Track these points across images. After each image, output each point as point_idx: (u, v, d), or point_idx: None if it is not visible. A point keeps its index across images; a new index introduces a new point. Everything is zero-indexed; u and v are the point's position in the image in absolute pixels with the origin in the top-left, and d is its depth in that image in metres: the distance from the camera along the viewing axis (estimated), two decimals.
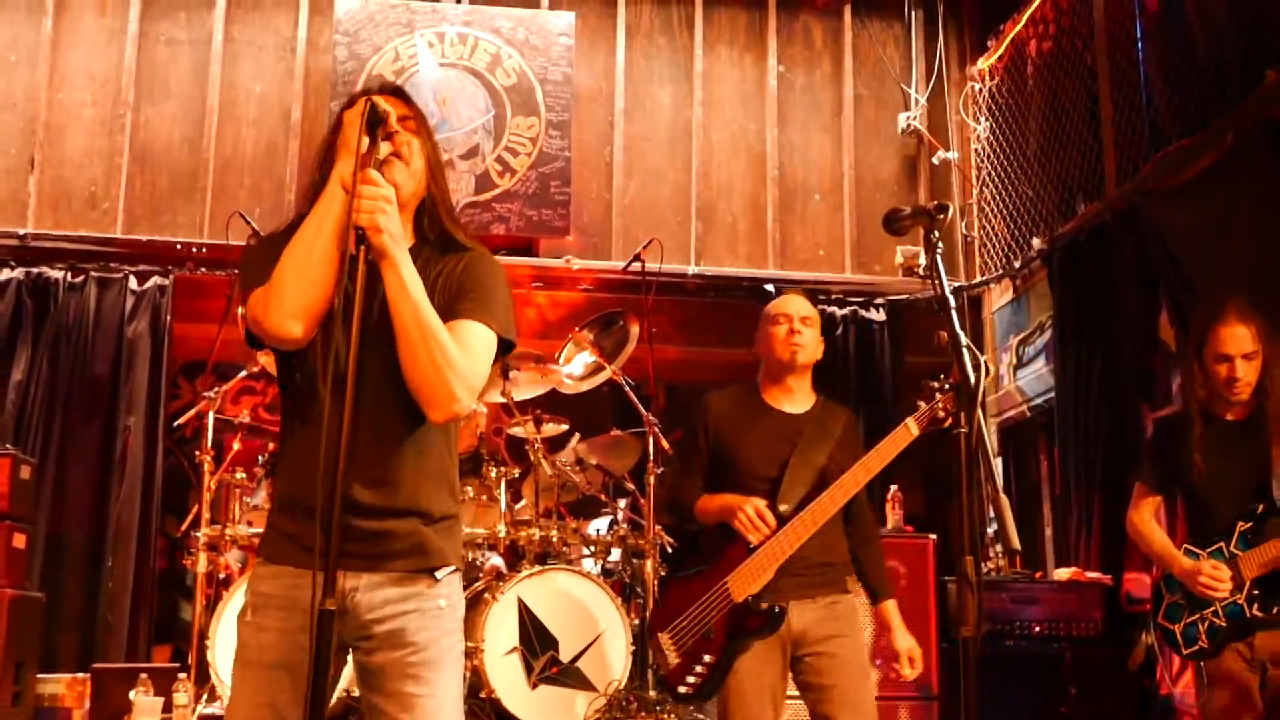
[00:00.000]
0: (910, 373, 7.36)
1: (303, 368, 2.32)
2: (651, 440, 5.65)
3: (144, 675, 5.18)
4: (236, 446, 5.94)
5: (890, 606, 3.75)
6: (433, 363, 2.21)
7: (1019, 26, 7.45)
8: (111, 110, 7.20)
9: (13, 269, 6.87)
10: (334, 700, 4.72)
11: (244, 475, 5.68)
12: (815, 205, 7.78)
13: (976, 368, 2.41)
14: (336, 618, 2.13)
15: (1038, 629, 5.56)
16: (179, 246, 7.09)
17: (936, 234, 2.61)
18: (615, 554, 5.92)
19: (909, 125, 7.84)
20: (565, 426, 6.12)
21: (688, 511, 3.70)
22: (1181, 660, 3.93)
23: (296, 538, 2.27)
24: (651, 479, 5.58)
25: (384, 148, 2.25)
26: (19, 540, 5.41)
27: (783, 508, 3.51)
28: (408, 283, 2.21)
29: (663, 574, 5.44)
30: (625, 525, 5.93)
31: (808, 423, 3.69)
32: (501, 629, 5.04)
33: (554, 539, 5.56)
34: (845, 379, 7.42)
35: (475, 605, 5.07)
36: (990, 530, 5.88)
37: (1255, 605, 3.74)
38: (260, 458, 5.77)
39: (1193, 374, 3.98)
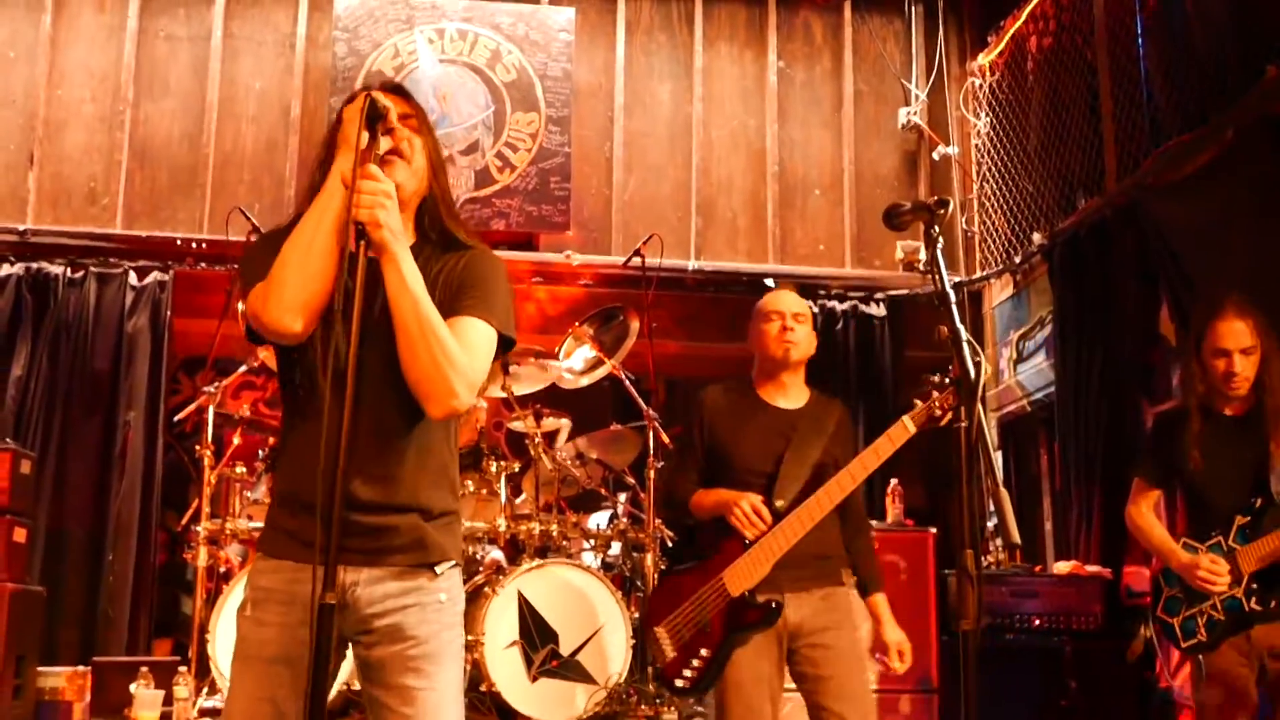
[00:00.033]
0: (910, 368, 7.36)
1: (303, 363, 2.32)
2: (651, 435, 5.66)
3: (144, 669, 5.19)
4: (236, 441, 5.96)
5: (880, 600, 3.78)
6: (432, 359, 2.21)
7: (1019, 22, 7.45)
8: (111, 106, 7.20)
9: (12, 264, 6.87)
10: (334, 694, 4.74)
11: (244, 470, 5.69)
12: (815, 201, 7.78)
13: (977, 363, 2.42)
14: (337, 612, 2.13)
15: (1038, 622, 5.57)
16: (179, 242, 7.09)
17: (937, 229, 2.61)
18: (615, 548, 5.93)
19: (909, 121, 7.84)
20: (565, 421, 6.13)
21: (683, 506, 3.72)
22: (1181, 654, 3.94)
23: (297, 533, 2.27)
24: (651, 473, 5.59)
25: (384, 143, 2.25)
26: (19, 535, 5.41)
27: (778, 503, 3.52)
28: (407, 278, 2.21)
29: (662, 568, 5.46)
30: (625, 519, 5.94)
31: (802, 418, 3.71)
32: (502, 622, 5.05)
33: (554, 533, 5.57)
34: (845, 374, 7.43)
35: (475, 599, 5.08)
36: (990, 524, 5.89)
37: (1253, 599, 3.75)
38: (260, 452, 5.78)
39: (1191, 369, 3.99)
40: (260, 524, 5.28)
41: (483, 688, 5.02)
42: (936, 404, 3.45)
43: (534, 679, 5.05)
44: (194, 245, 7.08)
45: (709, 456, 3.72)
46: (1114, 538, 5.70)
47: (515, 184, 7.30)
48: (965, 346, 2.43)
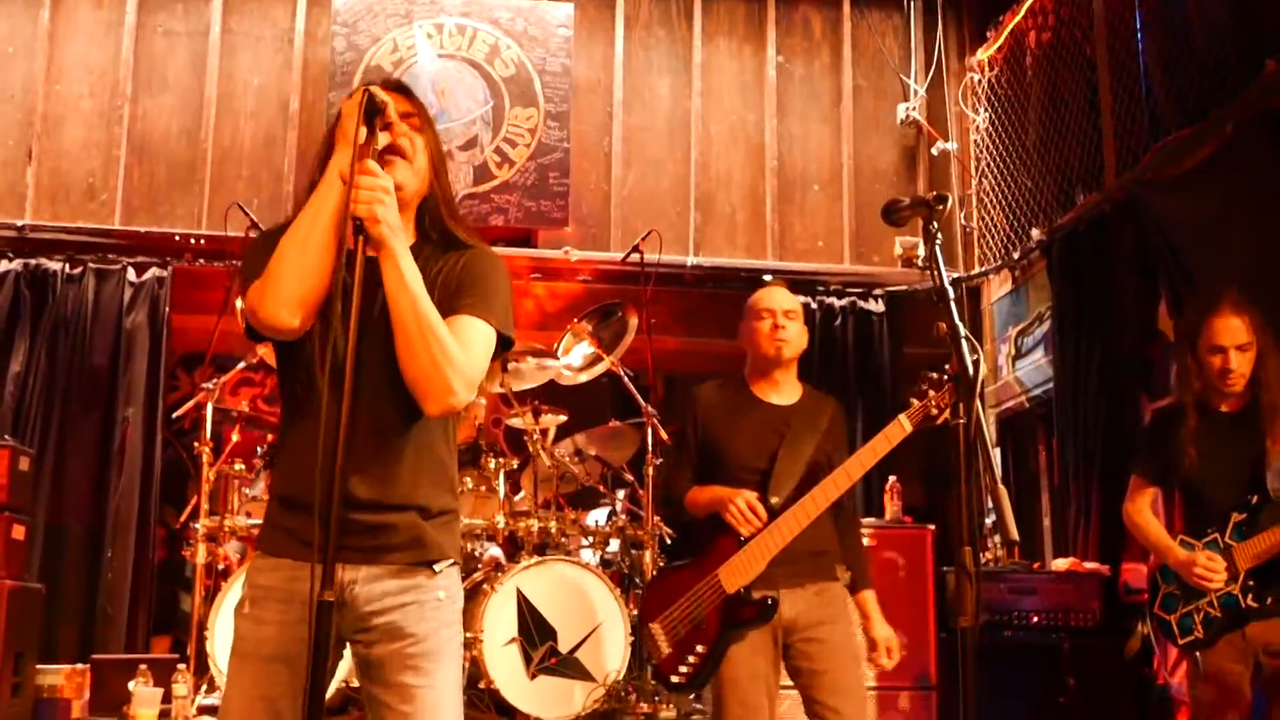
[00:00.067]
0: (909, 364, 7.36)
1: (302, 361, 2.31)
2: (650, 431, 5.66)
3: (143, 666, 5.18)
4: (235, 438, 5.95)
5: (869, 596, 3.78)
6: (430, 356, 2.20)
7: (1018, 17, 7.44)
8: (109, 102, 7.19)
9: (10, 260, 6.86)
10: (333, 691, 4.74)
11: (243, 466, 5.69)
12: (814, 196, 7.78)
13: (975, 359, 2.41)
14: (335, 610, 2.13)
15: (1036, 619, 5.57)
16: (177, 238, 7.08)
17: (935, 225, 2.61)
18: (614, 545, 5.94)
19: (908, 116, 7.83)
20: (564, 418, 6.13)
21: (678, 504, 3.74)
22: (1178, 650, 3.95)
23: (295, 531, 2.26)
24: (650, 470, 5.59)
25: (382, 138, 2.24)
26: (18, 531, 5.41)
27: (774, 500, 3.54)
28: (406, 274, 2.20)
29: (661, 565, 5.46)
30: (624, 516, 5.94)
31: (795, 414, 3.72)
32: (500, 619, 5.05)
33: (553, 530, 5.57)
34: (844, 370, 7.43)
35: (474, 596, 5.08)
36: (989, 521, 5.89)
37: (1250, 596, 3.76)
38: (259, 449, 5.78)
39: (1187, 366, 3.99)
40: (259, 521, 5.29)
41: (481, 685, 5.02)
42: (933, 403, 3.46)
43: (533, 676, 5.05)
44: (192, 241, 7.08)
45: (703, 454, 3.73)
46: (1112, 534, 5.70)
47: (514, 179, 7.30)
48: (964, 343, 2.43)
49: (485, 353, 2.33)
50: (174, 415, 6.25)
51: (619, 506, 6.13)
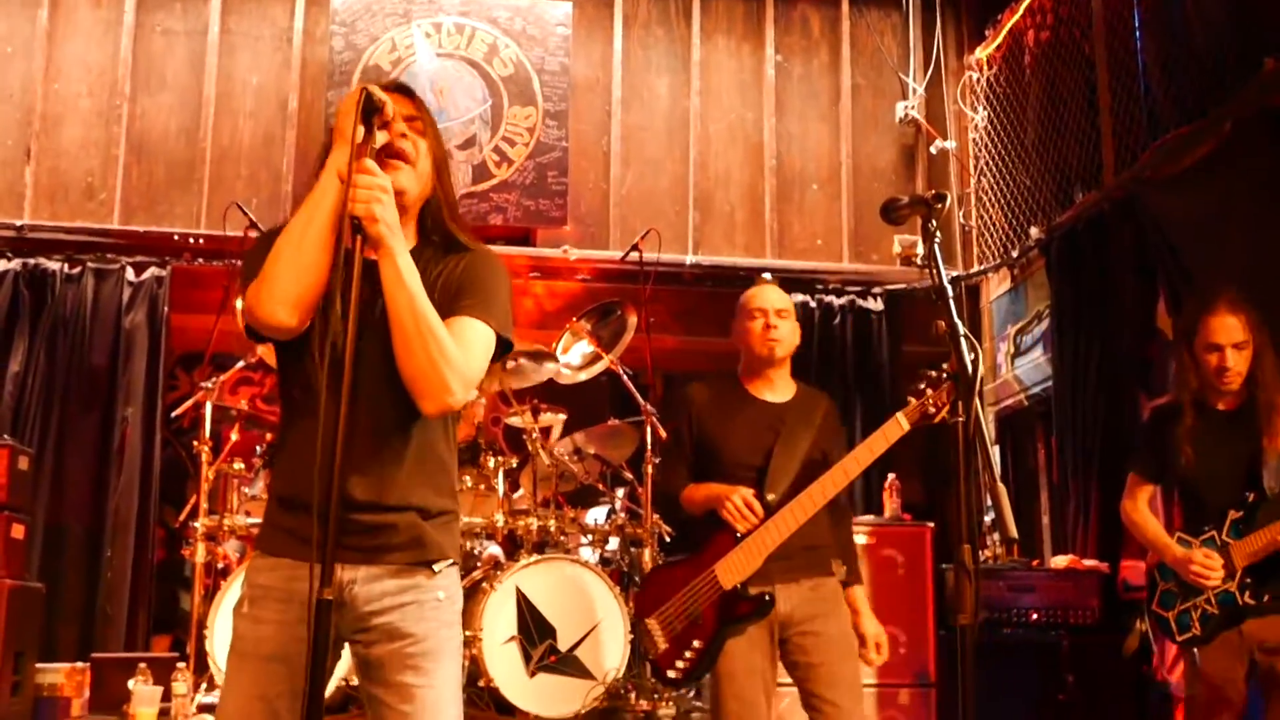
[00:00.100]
0: (908, 362, 7.36)
1: (301, 361, 2.31)
2: (649, 429, 5.66)
3: (143, 665, 5.19)
4: (234, 437, 5.95)
5: (858, 592, 3.79)
6: (427, 354, 2.19)
7: (1017, 16, 7.44)
8: (108, 101, 7.19)
9: (9, 260, 6.86)
10: (332, 689, 4.74)
11: (242, 465, 5.68)
12: (813, 195, 7.78)
13: (974, 357, 2.42)
14: (335, 610, 2.13)
15: (1035, 617, 5.57)
16: (176, 237, 7.08)
17: (934, 223, 2.61)
18: (613, 543, 5.94)
19: (907, 114, 7.84)
20: (563, 416, 6.13)
21: (674, 501, 3.76)
22: (1179, 648, 3.96)
23: (295, 531, 2.26)
24: (649, 468, 5.59)
25: (380, 136, 2.24)
26: (17, 531, 5.41)
27: (770, 496, 3.56)
28: (404, 273, 2.19)
29: (659, 563, 5.46)
30: (623, 514, 5.94)
31: (790, 411, 3.74)
32: (500, 618, 5.05)
33: (552, 528, 5.57)
34: (843, 368, 7.44)
35: (473, 594, 5.08)
36: (988, 518, 5.89)
37: (1246, 593, 3.77)
38: (258, 448, 5.78)
39: (1184, 364, 4.00)
40: (258, 520, 5.29)
41: (481, 683, 5.02)
42: (930, 401, 3.47)
43: (532, 674, 5.05)
44: (191, 240, 7.08)
45: (699, 452, 3.75)
46: (1111, 532, 5.70)
47: (512, 179, 7.30)
48: (962, 341, 2.43)
49: (484, 353, 2.32)
50: (173, 414, 6.25)
51: (618, 505, 6.13)
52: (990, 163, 7.60)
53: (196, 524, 5.44)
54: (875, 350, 7.53)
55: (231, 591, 4.96)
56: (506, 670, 5.01)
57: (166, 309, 7.01)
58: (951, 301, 2.50)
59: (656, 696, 5.20)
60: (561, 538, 5.68)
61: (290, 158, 7.25)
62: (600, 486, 6.29)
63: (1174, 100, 5.72)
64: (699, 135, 7.70)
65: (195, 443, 5.63)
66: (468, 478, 5.53)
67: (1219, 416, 3.92)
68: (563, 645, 5.10)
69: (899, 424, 3.53)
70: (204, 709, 5.04)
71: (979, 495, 2.44)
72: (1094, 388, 6.13)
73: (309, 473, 2.07)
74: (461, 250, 2.42)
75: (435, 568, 2.33)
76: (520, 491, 5.99)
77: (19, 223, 6.92)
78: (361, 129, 2.18)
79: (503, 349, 2.38)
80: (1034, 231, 6.94)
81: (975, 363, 2.41)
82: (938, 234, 2.60)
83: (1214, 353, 3.88)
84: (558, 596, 5.15)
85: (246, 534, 5.53)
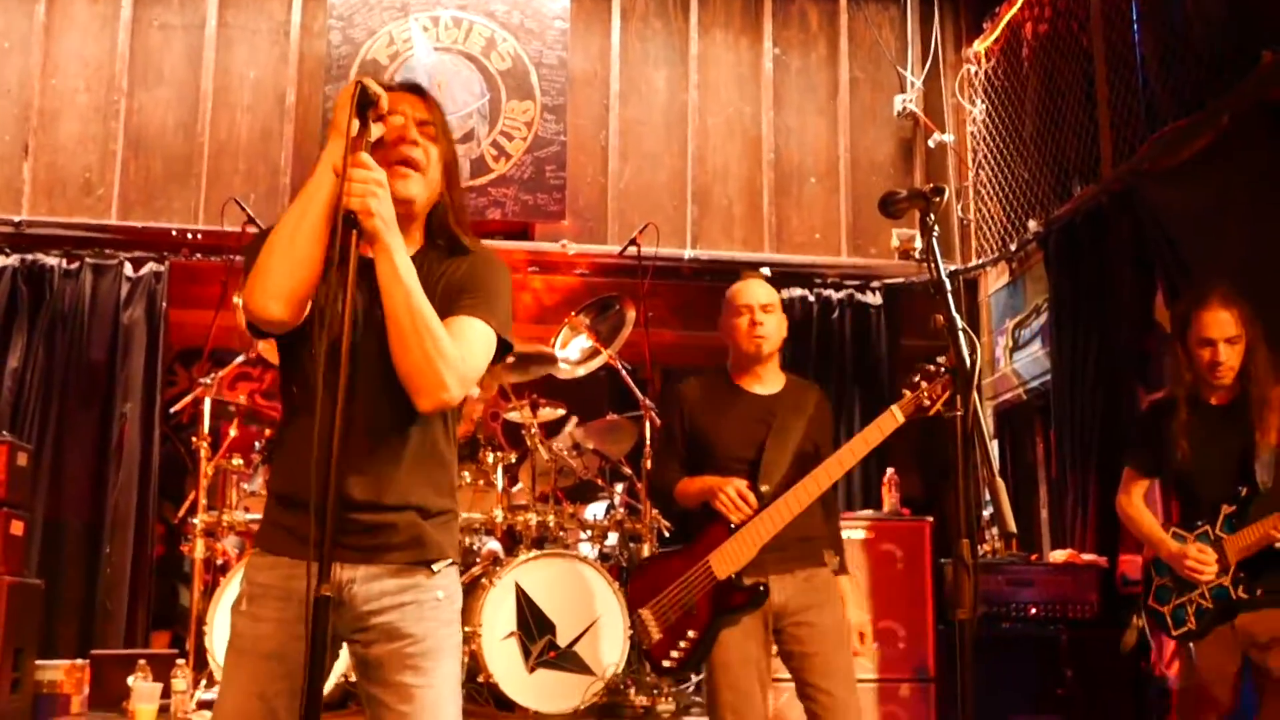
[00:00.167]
0: (906, 356, 7.36)
1: (300, 358, 2.30)
2: (648, 424, 5.66)
3: (142, 661, 5.19)
4: (233, 433, 5.95)
5: (844, 581, 3.82)
6: (423, 350, 2.18)
7: (1015, 9, 7.43)
8: (105, 96, 7.18)
9: (7, 256, 6.86)
10: (332, 686, 4.75)
11: (240, 461, 5.69)
12: (811, 188, 7.77)
13: (972, 351, 2.42)
14: (333, 609, 2.12)
15: (1034, 611, 5.57)
16: (174, 232, 7.08)
17: (932, 217, 2.61)
18: (612, 538, 5.94)
19: (905, 108, 7.83)
20: (562, 411, 6.13)
21: (669, 496, 3.80)
22: (1177, 643, 3.97)
23: (293, 529, 2.25)
24: (648, 463, 5.59)
25: (375, 130, 2.22)
26: (16, 527, 5.41)
27: (764, 488, 3.59)
28: (400, 268, 2.17)
29: (652, 553, 5.46)
30: (622, 509, 5.94)
31: (780, 403, 3.78)
32: (499, 614, 5.05)
33: (551, 524, 5.57)
34: (841, 362, 7.44)
35: (473, 590, 5.08)
36: (986, 513, 5.89)
37: (1240, 587, 3.78)
38: (257, 444, 5.78)
39: (1178, 358, 4.01)
40: (257, 516, 5.29)
41: (480, 679, 5.02)
42: (925, 394, 3.50)
43: (532, 670, 5.05)
44: (189, 236, 7.07)
45: (692, 446, 3.78)
46: (1110, 526, 5.70)
47: (510, 173, 7.29)
48: (960, 335, 2.43)
49: (482, 352, 2.31)
50: (172, 410, 6.25)
51: (617, 500, 6.13)
52: (988, 156, 7.59)
53: (195, 520, 5.44)
54: (874, 344, 7.53)
55: (231, 588, 4.96)
56: (506, 666, 5.01)
57: (165, 304, 7.01)
58: (950, 295, 2.50)
59: (656, 692, 5.20)
60: (560, 533, 5.68)
61: (288, 152, 7.24)
62: (599, 482, 6.29)
63: (1172, 93, 5.72)
64: (697, 129, 7.69)
65: (194, 438, 5.63)
66: (466, 473, 5.54)
67: (1212, 411, 3.93)
68: (562, 641, 5.10)
69: (894, 416, 3.56)
70: (203, 705, 5.05)
71: (977, 489, 2.44)
72: (1092, 381, 6.13)
73: (307, 470, 2.07)
74: (464, 253, 2.41)
75: (435, 567, 2.32)
76: (519, 486, 5.99)
77: (17, 218, 6.91)
78: (357, 122, 2.16)
79: (503, 350, 2.37)
80: (1032, 225, 6.93)
81: (973, 356, 2.41)
82: (936, 227, 2.60)
83: (1207, 347, 3.89)
84: (557, 592, 5.16)
85: (245, 530, 5.53)
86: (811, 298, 7.50)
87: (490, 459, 5.55)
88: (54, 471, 6.66)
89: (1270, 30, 4.99)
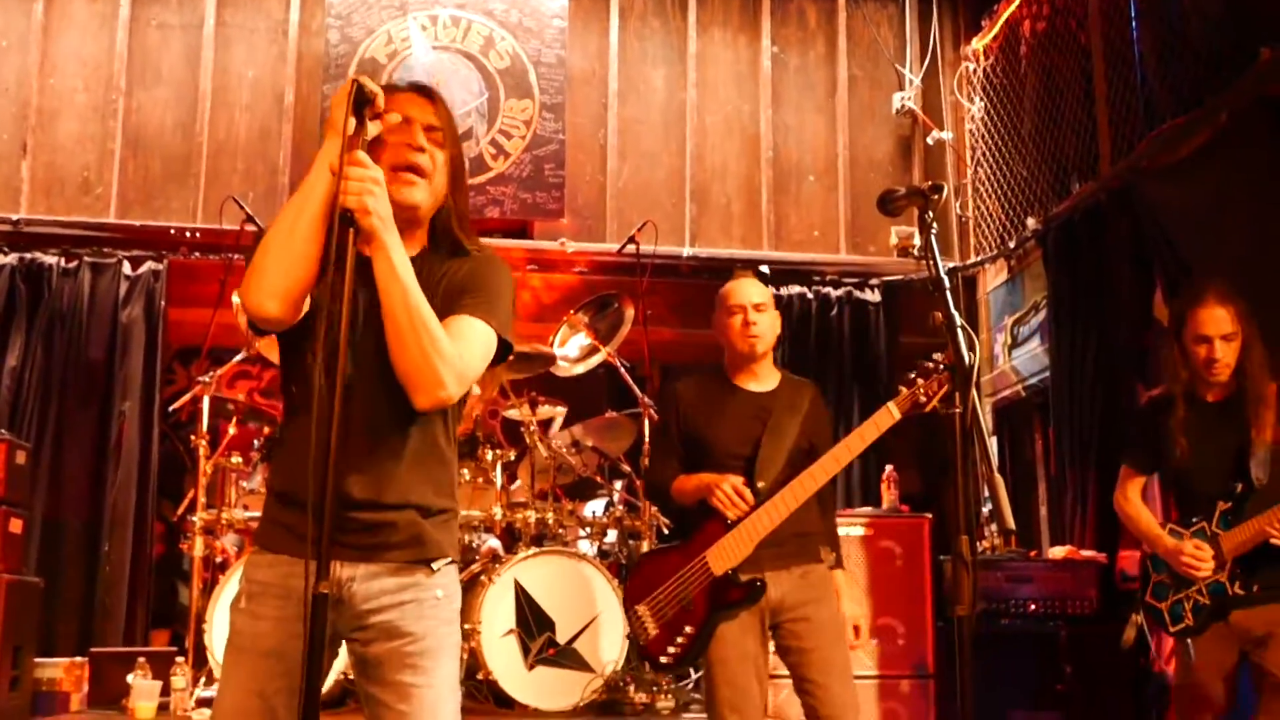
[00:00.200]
0: (905, 353, 7.36)
1: (301, 356, 2.30)
2: (647, 422, 5.66)
3: (142, 659, 5.19)
4: (232, 431, 5.95)
5: (840, 575, 3.84)
6: (420, 347, 2.18)
7: (1013, 6, 7.44)
8: (104, 95, 7.18)
9: (6, 255, 6.85)
10: (331, 684, 4.75)
11: (239, 459, 5.69)
12: (810, 186, 7.77)
13: (971, 348, 2.42)
14: (332, 607, 2.12)
15: (1033, 607, 5.58)
16: (172, 231, 7.08)
17: (931, 214, 2.61)
18: (611, 535, 5.94)
19: (903, 105, 7.83)
20: (561, 409, 6.13)
21: (665, 494, 3.81)
22: (1175, 640, 3.97)
23: (293, 527, 2.24)
24: (647, 461, 5.59)
25: (371, 128, 2.21)
26: (15, 525, 5.41)
27: (760, 484, 3.61)
28: (397, 266, 2.17)
29: (649, 549, 5.46)
30: (621, 507, 5.95)
31: (775, 400, 3.80)
32: (498, 611, 5.06)
33: (550, 521, 5.58)
34: (840, 360, 7.44)
35: (472, 588, 5.08)
36: (985, 510, 5.90)
37: (1236, 583, 3.79)
38: (256, 442, 5.78)
39: (1174, 356, 4.01)
40: (256, 514, 5.29)
41: (480, 676, 5.03)
42: (921, 391, 3.52)
43: (531, 667, 5.06)
44: (188, 234, 7.07)
45: (688, 445, 3.80)
46: (1109, 522, 5.70)
47: (509, 171, 7.29)
48: (959, 332, 2.43)
49: (481, 351, 2.30)
50: (170, 408, 6.25)
51: (616, 497, 6.13)
52: (987, 153, 7.59)
53: (194, 518, 5.45)
54: (873, 341, 7.53)
55: (230, 586, 4.96)
56: (505, 663, 5.02)
57: (163, 303, 7.00)
58: (948, 292, 2.50)
59: (655, 689, 5.21)
60: (560, 530, 5.69)
61: (286, 151, 7.24)
62: (598, 479, 6.29)
63: (1170, 90, 5.72)
64: (695, 127, 7.69)
65: (193, 437, 5.63)
66: (465, 471, 5.54)
67: (1209, 408, 3.94)
68: (561, 638, 5.10)
69: (890, 413, 3.57)
70: (203, 703, 5.05)
71: (977, 486, 2.45)
72: (1091, 378, 6.14)
73: (306, 469, 2.07)
74: (467, 254, 2.41)
75: (434, 566, 2.32)
76: (517, 483, 6.00)
77: (15, 217, 6.91)
78: (353, 121, 2.16)
79: (503, 351, 2.36)
80: (1031, 222, 6.94)
81: (972, 354, 2.41)
82: (934, 225, 2.60)
83: (1203, 344, 3.89)
84: (556, 589, 5.16)
85: (244, 528, 5.53)
86: (810, 295, 7.51)
87: (489, 456, 5.56)
88: (53, 470, 6.66)
89: (1268, 27, 4.99)
